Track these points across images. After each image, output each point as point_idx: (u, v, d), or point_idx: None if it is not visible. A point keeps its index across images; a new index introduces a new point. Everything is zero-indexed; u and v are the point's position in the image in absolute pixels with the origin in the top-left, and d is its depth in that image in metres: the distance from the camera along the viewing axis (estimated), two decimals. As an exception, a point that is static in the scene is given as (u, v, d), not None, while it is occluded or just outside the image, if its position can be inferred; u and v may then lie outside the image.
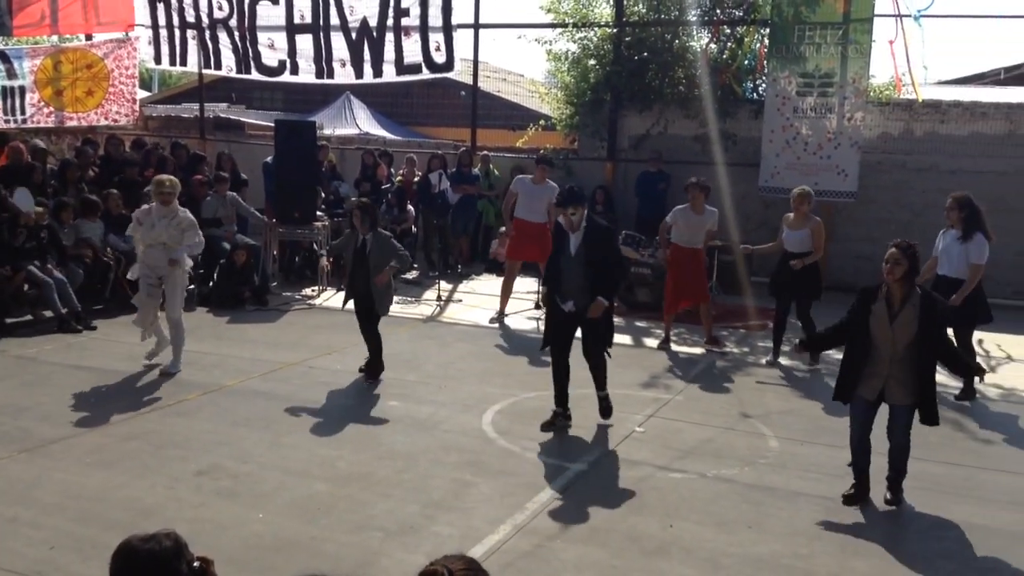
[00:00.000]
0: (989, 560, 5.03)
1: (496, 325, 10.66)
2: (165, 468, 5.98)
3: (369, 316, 8.17)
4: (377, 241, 8.03)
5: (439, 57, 14.92)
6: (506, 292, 11.01)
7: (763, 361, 9.26)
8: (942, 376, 8.78)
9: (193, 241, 8.35)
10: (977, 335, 10.74)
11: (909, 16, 12.51)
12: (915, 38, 13.21)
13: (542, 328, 10.50)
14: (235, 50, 16.10)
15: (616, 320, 7.57)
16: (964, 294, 8.04)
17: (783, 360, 9.18)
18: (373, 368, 8.21)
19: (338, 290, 12.00)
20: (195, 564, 2.57)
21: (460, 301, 11.97)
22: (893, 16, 12.60)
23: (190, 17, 16.24)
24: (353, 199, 11.73)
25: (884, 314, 5.52)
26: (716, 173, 14.02)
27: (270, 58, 15.96)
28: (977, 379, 7.15)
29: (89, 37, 16.76)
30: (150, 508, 5.35)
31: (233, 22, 15.94)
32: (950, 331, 8.34)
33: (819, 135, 12.84)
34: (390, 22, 14.98)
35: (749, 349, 9.79)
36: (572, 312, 6.97)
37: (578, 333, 7.13)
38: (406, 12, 14.86)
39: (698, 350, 9.66)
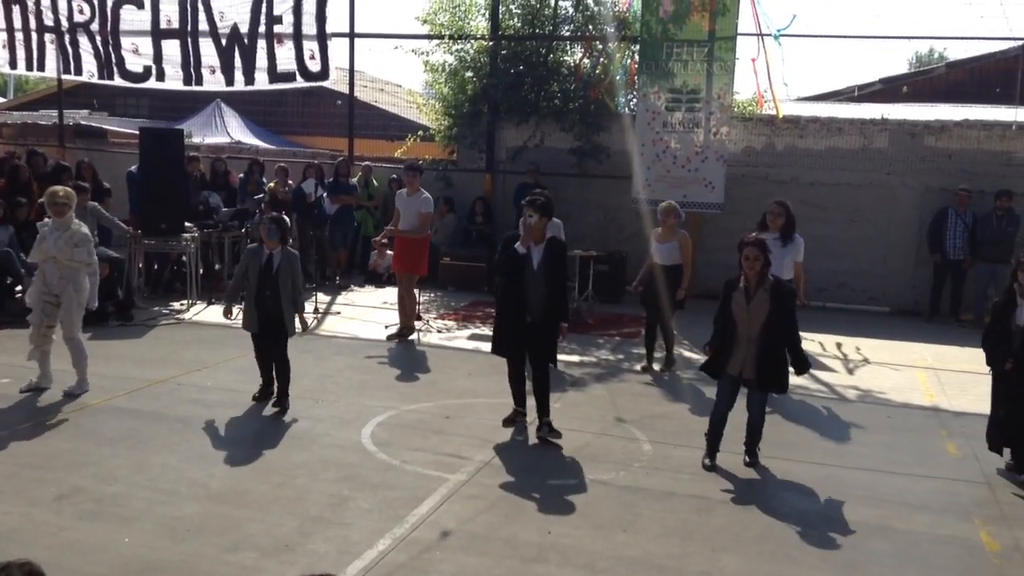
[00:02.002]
0: (850, 553, 5.30)
1: (394, 343, 10.30)
2: (23, 491, 5.67)
3: (279, 339, 7.57)
4: (287, 259, 7.52)
5: (314, 66, 14.74)
6: (402, 306, 10.59)
7: (638, 367, 9.50)
8: (802, 380, 9.26)
9: (84, 259, 7.78)
10: (835, 339, 11.32)
11: (770, 35, 13.14)
12: (775, 56, 13.82)
13: (423, 339, 10.55)
14: (97, 55, 15.50)
15: None
16: (803, 290, 8.73)
17: (655, 366, 9.44)
18: (284, 399, 7.57)
19: (209, 303, 11.65)
20: None
21: (338, 313, 11.80)
22: (755, 35, 13.19)
23: (48, 20, 15.56)
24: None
25: (742, 298, 6.41)
26: (591, 185, 14.39)
27: (135, 64, 15.42)
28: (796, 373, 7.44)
29: (-64, 39, 15.83)
30: (6, 534, 5.05)
31: (95, 26, 15.34)
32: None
33: (687, 149, 13.28)
34: (262, 29, 14.72)
35: (624, 356, 10.01)
36: (530, 323, 7.01)
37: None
38: (279, 19, 14.63)
39: (575, 358, 9.81)
